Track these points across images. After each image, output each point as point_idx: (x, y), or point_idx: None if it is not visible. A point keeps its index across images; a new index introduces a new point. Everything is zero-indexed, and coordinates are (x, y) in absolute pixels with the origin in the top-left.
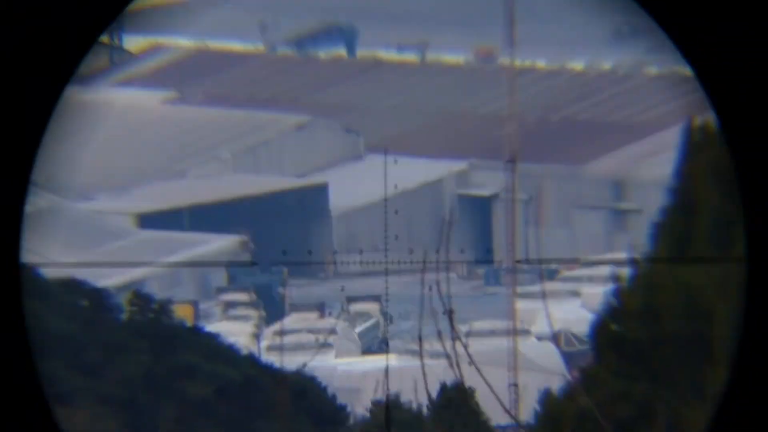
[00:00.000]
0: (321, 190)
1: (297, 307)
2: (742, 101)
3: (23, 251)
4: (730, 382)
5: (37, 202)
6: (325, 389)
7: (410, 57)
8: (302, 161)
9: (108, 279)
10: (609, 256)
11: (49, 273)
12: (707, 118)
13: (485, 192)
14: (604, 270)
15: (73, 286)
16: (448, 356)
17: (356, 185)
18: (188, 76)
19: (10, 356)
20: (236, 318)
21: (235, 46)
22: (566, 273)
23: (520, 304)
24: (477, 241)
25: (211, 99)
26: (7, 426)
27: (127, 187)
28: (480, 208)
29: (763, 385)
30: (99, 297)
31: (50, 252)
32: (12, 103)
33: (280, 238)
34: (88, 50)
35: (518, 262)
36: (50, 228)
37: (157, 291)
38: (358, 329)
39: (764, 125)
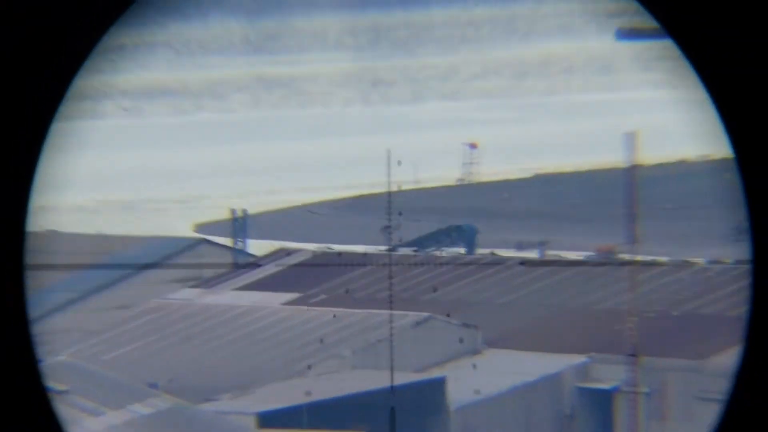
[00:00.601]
0: (438, 385)
1: None
2: (750, 109)
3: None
4: (733, 389)
5: (159, 403)
6: None
7: (530, 254)
8: (420, 356)
9: None
10: None
11: None
12: None
13: (606, 385)
14: None
15: None
16: None
17: (474, 379)
18: (310, 278)
19: (14, 359)
20: None
21: (357, 247)
22: None
23: None
24: None
25: (331, 300)
26: (11, 427)
27: (249, 386)
28: (601, 402)
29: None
30: None
31: None
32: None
33: None
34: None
35: None
36: (173, 429)
37: None
38: None
39: None
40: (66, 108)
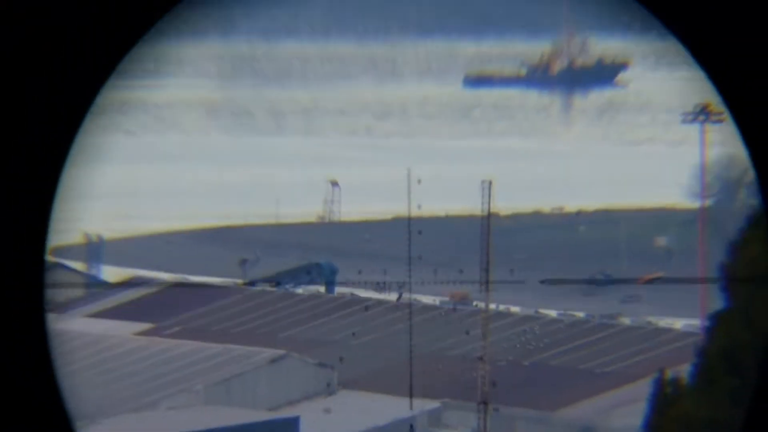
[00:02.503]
0: (291, 424)
1: None
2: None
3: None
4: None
5: None
6: None
7: (387, 297)
8: (275, 395)
9: None
10: None
11: None
12: (679, 372)
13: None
14: None
15: None
16: None
17: (328, 420)
18: (165, 309)
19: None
20: None
21: (214, 279)
22: None
23: None
24: None
25: (186, 332)
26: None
27: (96, 417)
28: None
29: None
30: None
31: None
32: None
33: None
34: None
35: None
36: None
37: None
38: None
39: None
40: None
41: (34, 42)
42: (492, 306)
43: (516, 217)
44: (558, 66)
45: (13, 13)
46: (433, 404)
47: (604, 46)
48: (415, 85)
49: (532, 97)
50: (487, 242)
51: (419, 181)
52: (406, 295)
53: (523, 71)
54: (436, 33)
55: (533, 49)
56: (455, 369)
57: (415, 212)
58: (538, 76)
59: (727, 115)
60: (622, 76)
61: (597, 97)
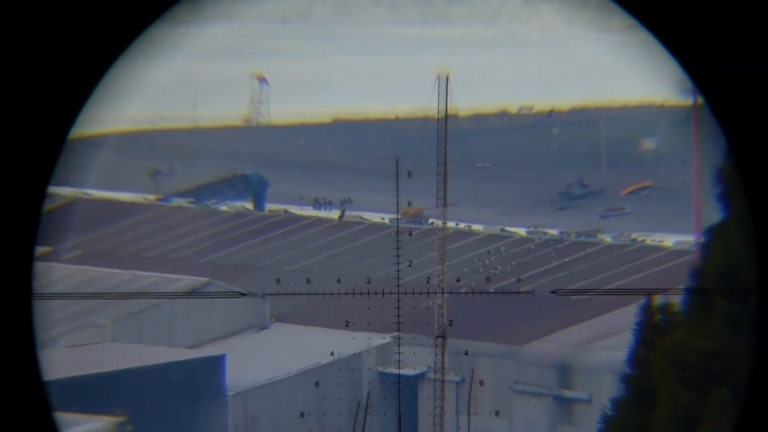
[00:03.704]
0: (215, 364)
1: None
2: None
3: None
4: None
5: None
6: None
7: (327, 214)
8: (195, 330)
9: None
10: None
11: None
12: (669, 297)
13: (410, 371)
14: None
15: None
16: None
17: (259, 359)
18: (63, 229)
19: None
20: None
21: (122, 195)
22: None
23: None
24: (399, 430)
25: (89, 256)
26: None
27: None
28: (404, 391)
29: None
30: None
31: None
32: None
33: (166, 420)
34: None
35: None
36: None
37: None
38: None
39: None
40: None
41: (34, 34)
42: (450, 224)
43: (478, 119)
44: None
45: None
46: (382, 339)
47: None
48: None
49: None
50: (445, 148)
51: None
52: (350, 213)
53: None
54: None
55: None
56: (409, 297)
57: (360, 113)
58: None
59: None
60: None
61: None
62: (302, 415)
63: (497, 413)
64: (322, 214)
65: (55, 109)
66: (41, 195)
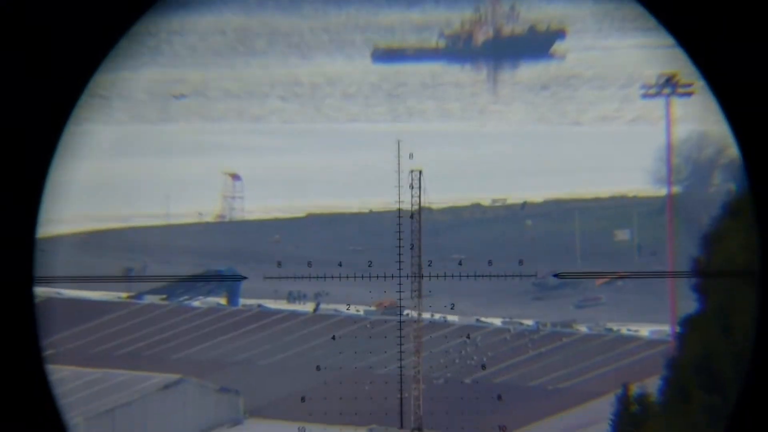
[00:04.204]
0: None
1: None
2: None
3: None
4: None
5: None
6: None
7: (302, 307)
8: (168, 427)
9: None
10: None
11: None
12: (646, 387)
13: None
14: None
15: None
16: None
17: None
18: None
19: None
20: None
21: (94, 293)
22: None
23: None
24: None
25: (59, 356)
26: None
27: None
28: None
29: None
30: None
31: None
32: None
33: None
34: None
35: None
36: None
37: None
38: None
39: None
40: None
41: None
42: (426, 315)
43: (451, 211)
44: (482, 36)
45: None
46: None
47: (536, 11)
48: (324, 61)
49: (455, 72)
50: (419, 241)
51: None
52: (326, 305)
53: (442, 43)
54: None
55: (452, 16)
56: (384, 389)
57: (334, 207)
58: (459, 49)
59: (697, 87)
60: (558, 46)
61: (533, 70)
62: None
63: None
64: (296, 307)
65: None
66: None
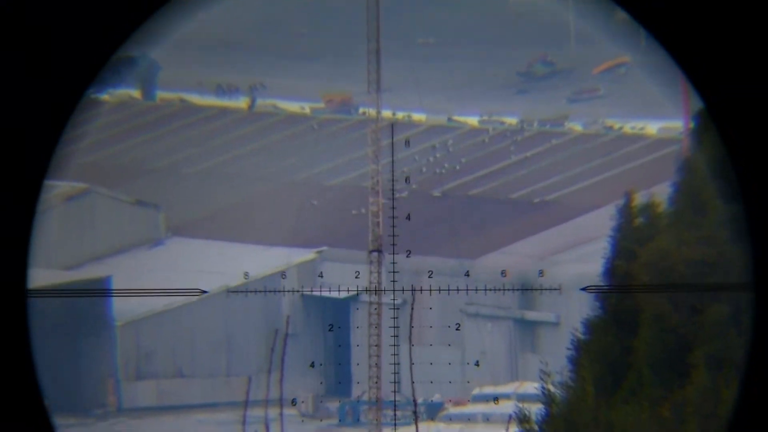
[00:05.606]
0: (99, 286)
1: None
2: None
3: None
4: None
5: None
6: None
7: (235, 102)
8: (74, 247)
9: None
10: (513, 384)
11: None
12: (653, 195)
13: (340, 293)
14: (506, 407)
15: None
16: None
17: (153, 282)
18: None
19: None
20: None
21: None
22: (454, 408)
23: None
24: (328, 363)
25: None
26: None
27: None
28: (332, 316)
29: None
30: None
31: None
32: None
33: (40, 360)
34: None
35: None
36: None
37: None
38: None
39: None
40: None
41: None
42: (387, 113)
43: None
44: None
45: None
46: (307, 254)
47: None
48: None
49: None
50: (377, 21)
51: None
52: (263, 101)
53: None
54: None
55: None
56: (338, 204)
57: None
58: None
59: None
60: None
61: None
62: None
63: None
64: (227, 103)
65: None
66: None
